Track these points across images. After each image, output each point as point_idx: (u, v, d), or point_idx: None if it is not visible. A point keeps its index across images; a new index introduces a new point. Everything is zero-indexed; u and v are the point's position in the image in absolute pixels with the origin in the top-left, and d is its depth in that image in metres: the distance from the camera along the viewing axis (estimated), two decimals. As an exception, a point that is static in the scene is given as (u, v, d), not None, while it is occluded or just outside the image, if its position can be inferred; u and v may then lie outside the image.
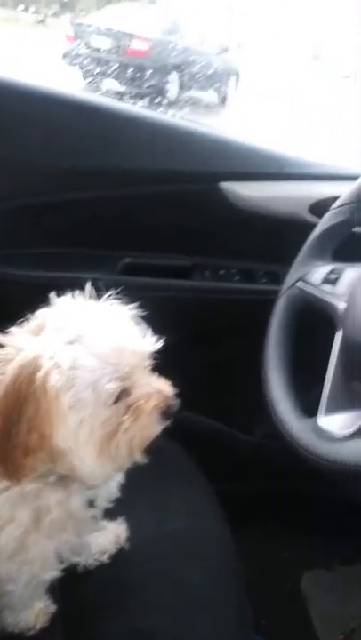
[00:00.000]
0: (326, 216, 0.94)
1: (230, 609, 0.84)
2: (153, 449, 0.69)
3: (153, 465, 0.69)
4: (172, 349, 0.69)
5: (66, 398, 0.59)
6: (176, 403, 0.69)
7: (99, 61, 3.62)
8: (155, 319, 0.71)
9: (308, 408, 0.78)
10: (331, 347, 0.80)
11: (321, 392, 0.77)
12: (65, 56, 3.65)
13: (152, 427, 0.67)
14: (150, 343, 0.69)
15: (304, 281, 0.91)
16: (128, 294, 0.73)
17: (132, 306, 0.71)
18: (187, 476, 1.01)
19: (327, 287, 0.86)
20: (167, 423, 0.68)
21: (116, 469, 0.68)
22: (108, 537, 0.86)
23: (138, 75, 3.57)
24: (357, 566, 1.10)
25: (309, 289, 0.89)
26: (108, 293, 0.72)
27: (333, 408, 0.74)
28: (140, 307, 0.71)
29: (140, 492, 0.86)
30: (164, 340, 0.69)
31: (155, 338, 0.69)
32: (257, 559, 1.05)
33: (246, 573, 0.89)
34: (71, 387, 0.60)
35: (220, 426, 1.27)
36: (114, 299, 0.72)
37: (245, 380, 0.96)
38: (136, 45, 3.88)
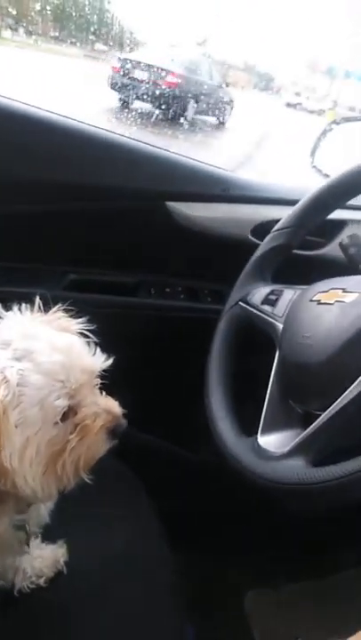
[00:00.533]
0: (267, 239, 0.98)
1: (170, 630, 0.84)
2: (97, 468, 0.68)
3: (96, 484, 0.68)
4: (117, 367, 0.69)
5: (12, 415, 0.58)
6: (124, 422, 0.69)
7: (134, 87, 5.08)
8: (101, 336, 0.71)
9: (249, 426, 0.80)
10: (271, 366, 0.83)
11: (261, 411, 0.79)
12: (110, 82, 5.15)
13: (99, 446, 0.67)
14: (99, 361, 0.68)
15: (246, 301, 0.94)
16: (74, 310, 0.73)
17: (80, 321, 0.71)
18: (130, 496, 1.00)
19: (267, 308, 0.89)
20: (114, 442, 0.68)
21: (60, 489, 0.66)
22: (46, 560, 0.83)
23: (168, 101, 5.09)
24: (301, 584, 1.12)
25: (250, 309, 0.92)
26: (56, 308, 0.72)
27: (271, 427, 0.76)
28: (87, 323, 0.72)
29: (81, 513, 0.85)
30: (111, 358, 0.69)
31: (103, 356, 0.69)
32: (200, 579, 1.05)
33: (188, 593, 0.89)
34: (18, 404, 0.59)
35: (165, 444, 1.27)
36: (62, 314, 0.72)
37: (190, 398, 0.97)
38: (170, 79, 5.45)
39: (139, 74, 5.26)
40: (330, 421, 0.65)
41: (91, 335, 0.71)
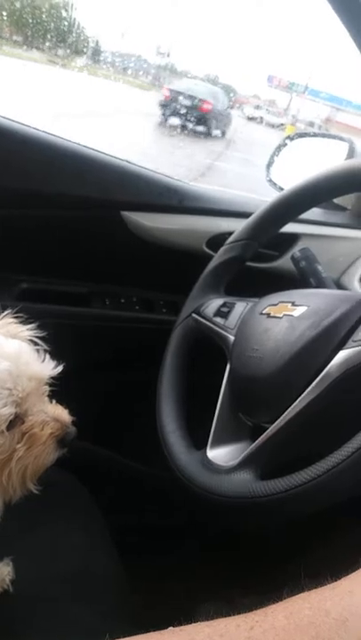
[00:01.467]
0: (220, 251, 0.99)
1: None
2: (45, 481, 0.66)
3: (44, 498, 0.66)
4: (69, 377, 0.68)
5: None
6: (73, 431, 0.67)
7: (174, 110, 7.85)
8: (52, 346, 0.69)
9: (200, 440, 0.80)
10: (223, 379, 0.83)
11: (211, 424, 0.79)
12: (160, 104, 7.98)
13: (47, 455, 0.65)
14: (48, 369, 0.67)
15: (199, 313, 0.94)
16: (26, 320, 0.71)
17: (29, 327, 0.70)
18: (80, 510, 0.98)
19: (219, 320, 0.90)
20: (63, 452, 0.67)
21: (6, 500, 0.64)
22: None
23: (201, 120, 7.95)
24: (254, 597, 1.12)
25: (203, 321, 0.92)
26: (4, 315, 0.70)
27: (220, 440, 0.76)
28: (37, 330, 0.70)
29: (29, 528, 0.83)
30: (62, 367, 0.68)
31: (53, 363, 0.67)
32: (152, 593, 1.04)
33: (139, 608, 0.87)
34: None
35: (115, 457, 1.25)
36: (11, 320, 0.70)
37: (142, 410, 0.96)
38: (206, 106, 8.27)
39: (183, 101, 8.23)
40: (277, 434, 0.66)
41: (40, 342, 0.69)
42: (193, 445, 0.80)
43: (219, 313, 0.91)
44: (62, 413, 0.68)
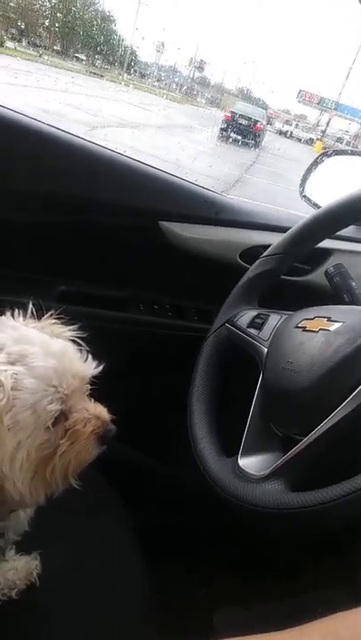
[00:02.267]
0: (256, 263, 1.00)
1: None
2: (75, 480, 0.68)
3: (74, 496, 0.68)
4: (102, 378, 0.70)
5: (5, 419, 0.58)
6: (113, 429, 0.69)
7: (234, 127, 10.42)
8: (88, 347, 0.71)
9: (231, 447, 0.81)
10: (254, 389, 0.84)
11: (242, 432, 0.80)
12: (223, 123, 10.57)
13: (88, 452, 0.67)
14: (90, 367, 0.69)
15: (232, 323, 0.95)
16: (67, 321, 0.73)
17: (71, 328, 0.72)
18: (106, 509, 1.00)
19: (253, 331, 0.91)
20: (103, 448, 0.69)
21: (48, 494, 0.66)
22: (19, 572, 0.82)
23: (254, 136, 10.94)
24: (273, 604, 1.12)
25: (236, 331, 0.94)
26: (48, 315, 0.73)
27: (251, 449, 0.77)
28: (79, 333, 0.72)
29: (57, 525, 0.84)
30: (101, 366, 0.70)
31: (94, 362, 0.70)
32: (172, 595, 1.05)
33: (160, 609, 0.89)
34: (11, 408, 0.59)
35: (143, 458, 1.27)
36: (54, 321, 0.73)
37: (173, 414, 0.98)
38: (259, 125, 11.15)
39: (241, 120, 10.69)
40: (310, 447, 0.67)
41: (81, 342, 0.71)
42: (224, 453, 0.81)
43: (252, 324, 0.92)
44: (103, 411, 0.70)
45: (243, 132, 10.12)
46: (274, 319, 0.90)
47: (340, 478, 0.62)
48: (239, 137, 9.95)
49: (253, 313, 0.94)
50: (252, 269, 1.00)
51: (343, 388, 0.66)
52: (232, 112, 10.37)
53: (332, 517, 0.62)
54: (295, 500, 0.64)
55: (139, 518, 0.97)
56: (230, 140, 9.77)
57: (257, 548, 1.04)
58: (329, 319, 0.77)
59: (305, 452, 0.67)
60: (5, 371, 0.59)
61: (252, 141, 10.18)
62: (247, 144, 9.94)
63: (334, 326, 0.75)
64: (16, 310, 0.69)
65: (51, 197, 1.12)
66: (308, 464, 0.69)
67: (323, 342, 0.74)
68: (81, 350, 0.70)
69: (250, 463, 0.75)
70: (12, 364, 0.61)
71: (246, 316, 0.94)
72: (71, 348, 0.68)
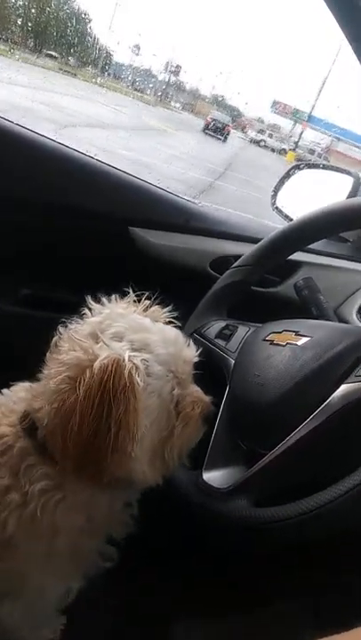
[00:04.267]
0: (226, 274, 1.00)
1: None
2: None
3: None
4: None
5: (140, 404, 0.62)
6: (214, 410, 0.75)
7: (218, 129, 15.79)
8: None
9: (195, 460, 0.80)
10: (221, 401, 0.83)
11: (207, 445, 0.79)
12: (205, 124, 15.81)
13: (197, 432, 0.72)
14: (195, 352, 0.74)
15: (200, 333, 0.94)
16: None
17: (166, 310, 0.77)
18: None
19: (221, 342, 0.90)
20: (205, 428, 0.74)
21: (165, 472, 0.70)
22: None
23: (224, 134, 16.28)
24: (230, 617, 1.11)
25: (204, 341, 0.93)
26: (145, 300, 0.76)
27: (216, 462, 0.76)
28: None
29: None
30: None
31: (195, 347, 0.74)
32: (129, 608, 1.03)
33: (115, 623, 0.87)
34: (143, 391, 0.62)
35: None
36: (153, 305, 0.77)
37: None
38: (228, 128, 16.63)
39: (217, 124, 15.39)
40: (273, 462, 0.67)
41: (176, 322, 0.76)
42: (188, 465, 0.80)
43: (220, 335, 0.92)
44: (203, 394, 0.74)
45: (217, 130, 15.38)
46: (242, 331, 0.90)
47: (303, 494, 0.62)
48: (215, 133, 15.36)
49: (222, 324, 0.94)
50: (222, 280, 0.99)
51: (309, 404, 0.67)
52: (212, 118, 15.86)
53: (296, 534, 0.61)
54: (258, 516, 0.64)
55: None
56: (209, 134, 15.10)
57: (215, 560, 1.03)
58: (297, 333, 0.77)
59: (269, 466, 0.67)
60: (136, 357, 0.62)
61: (222, 137, 15.59)
62: (219, 138, 15.36)
63: (302, 341, 0.75)
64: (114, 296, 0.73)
65: (19, 200, 1.09)
66: (273, 479, 0.68)
67: (290, 356, 0.74)
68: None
69: (214, 477, 0.74)
70: (138, 351, 0.64)
71: (215, 327, 0.94)
72: (180, 334, 0.72)
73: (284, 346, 0.76)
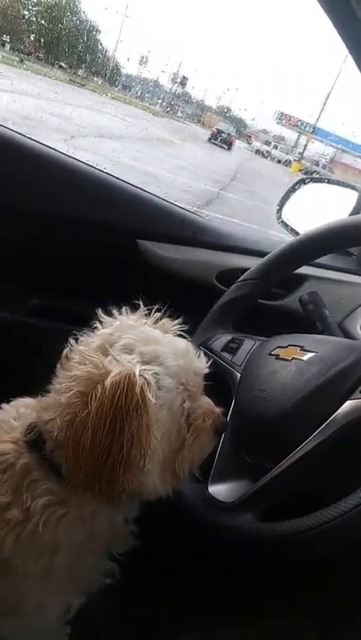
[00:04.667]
0: (232, 287, 1.01)
1: None
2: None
3: None
4: None
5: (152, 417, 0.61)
6: (225, 421, 0.74)
7: (217, 138, 16.55)
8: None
9: (201, 473, 0.80)
10: (227, 413, 0.84)
11: (213, 458, 0.80)
12: (211, 135, 16.69)
13: (208, 445, 0.72)
14: (205, 363, 0.74)
15: (206, 346, 0.95)
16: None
17: (176, 322, 0.77)
18: None
19: (227, 355, 0.91)
20: (217, 440, 0.74)
21: (176, 484, 0.70)
22: None
23: (229, 144, 17.29)
24: (234, 629, 1.11)
25: (211, 354, 0.93)
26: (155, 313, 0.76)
27: (221, 476, 0.77)
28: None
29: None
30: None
31: (205, 358, 0.74)
32: (134, 621, 1.03)
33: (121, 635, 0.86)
34: (154, 405, 0.62)
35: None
36: (163, 317, 0.77)
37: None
38: (232, 139, 17.49)
39: (223, 134, 16.24)
40: (279, 476, 0.67)
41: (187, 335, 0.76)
42: (194, 478, 0.80)
43: (226, 348, 0.92)
44: (213, 405, 0.74)
45: (223, 141, 16.60)
46: (248, 344, 0.90)
47: (309, 509, 0.63)
48: (220, 143, 16.54)
49: (228, 337, 0.95)
50: (228, 293, 1.00)
51: (315, 419, 0.67)
52: (218, 129, 16.96)
53: (302, 549, 0.62)
54: (263, 531, 0.64)
55: None
56: (215, 144, 16.36)
57: (219, 572, 1.03)
58: (302, 348, 0.78)
59: (274, 481, 0.68)
60: (147, 370, 0.62)
61: (227, 146, 16.82)
62: (224, 147, 16.61)
63: (307, 356, 0.76)
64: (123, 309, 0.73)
65: (28, 211, 1.10)
66: (278, 493, 0.69)
67: (295, 372, 0.74)
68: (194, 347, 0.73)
69: (219, 491, 0.75)
70: (148, 363, 0.64)
71: (221, 340, 0.95)
72: (191, 346, 0.72)
73: (289, 361, 0.77)
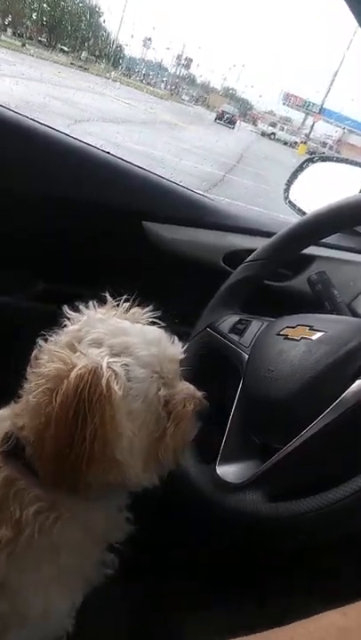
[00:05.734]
0: (239, 269, 1.00)
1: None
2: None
3: None
4: None
5: (122, 409, 0.61)
6: (206, 404, 0.74)
7: (223, 118, 18.82)
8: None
9: (209, 455, 0.80)
10: (234, 396, 0.83)
11: (221, 439, 0.79)
12: (217, 114, 19.06)
13: (192, 430, 0.72)
14: (180, 349, 0.73)
15: (214, 328, 0.94)
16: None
17: (147, 310, 0.76)
18: None
19: (234, 337, 0.90)
20: (200, 425, 0.73)
21: (160, 474, 0.70)
22: None
23: (233, 123, 19.60)
24: (239, 611, 1.12)
25: (218, 336, 0.93)
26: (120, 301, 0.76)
27: (230, 457, 0.77)
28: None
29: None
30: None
31: (181, 343, 0.73)
32: (135, 605, 1.04)
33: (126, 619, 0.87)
34: (125, 397, 0.62)
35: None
36: (133, 306, 0.76)
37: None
38: (235, 118, 20.00)
39: (227, 115, 18.75)
40: (288, 457, 0.67)
41: (161, 322, 0.75)
42: (202, 460, 0.80)
43: (234, 330, 0.91)
44: (195, 390, 0.73)
45: (228, 120, 18.17)
46: (255, 325, 0.89)
47: (318, 489, 0.62)
48: (225, 123, 18.02)
49: (235, 318, 0.94)
50: (235, 274, 0.99)
51: (323, 399, 0.66)
52: (223, 110, 18.88)
53: (308, 529, 0.62)
54: (272, 511, 0.64)
55: None
56: (221, 124, 17.77)
57: (227, 555, 1.03)
58: (311, 328, 0.77)
59: (283, 461, 0.67)
60: (116, 362, 0.61)
61: (232, 126, 18.35)
62: (229, 127, 18.03)
63: (316, 335, 0.75)
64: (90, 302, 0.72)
65: (34, 194, 1.09)
66: (287, 474, 0.68)
67: (304, 351, 0.73)
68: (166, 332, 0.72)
69: (228, 472, 0.74)
70: (118, 355, 0.63)
71: (228, 322, 0.94)
72: (163, 333, 0.71)
73: (298, 340, 0.76)
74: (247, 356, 0.84)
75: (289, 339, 0.78)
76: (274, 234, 0.98)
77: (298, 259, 1.19)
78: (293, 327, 0.79)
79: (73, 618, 0.80)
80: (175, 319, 1.26)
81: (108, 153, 1.15)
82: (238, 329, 0.91)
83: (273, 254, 0.96)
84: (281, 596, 1.06)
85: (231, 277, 1.00)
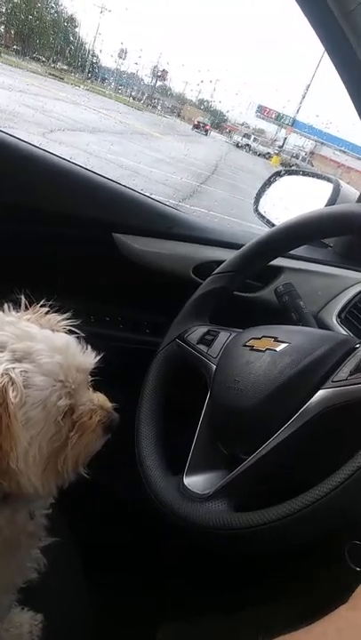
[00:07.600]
0: (208, 280, 1.01)
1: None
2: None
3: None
4: None
5: (19, 417, 0.59)
6: (117, 417, 0.72)
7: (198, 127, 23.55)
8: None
9: (177, 465, 0.81)
10: (203, 406, 0.84)
11: (189, 450, 0.80)
12: (194, 126, 23.52)
13: (96, 442, 0.70)
14: (91, 359, 0.71)
15: (182, 339, 0.95)
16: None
17: (65, 317, 0.74)
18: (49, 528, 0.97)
19: (203, 347, 0.91)
20: (108, 437, 0.72)
21: (59, 485, 0.68)
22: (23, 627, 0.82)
23: (205, 131, 24.00)
24: (211, 616, 1.12)
25: (187, 347, 0.94)
26: (38, 307, 0.74)
27: (197, 467, 0.77)
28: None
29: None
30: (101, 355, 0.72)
31: (94, 353, 0.72)
32: (113, 611, 1.03)
33: (101, 625, 0.87)
34: (23, 405, 0.60)
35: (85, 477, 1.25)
36: (48, 311, 0.74)
37: (119, 429, 0.96)
38: (207, 128, 24.65)
39: (201, 125, 23.28)
40: (254, 466, 0.68)
41: (77, 331, 0.73)
42: (170, 471, 0.80)
43: (203, 340, 0.92)
44: (105, 401, 0.72)
45: (203, 129, 20.53)
46: (223, 336, 0.91)
47: (283, 498, 0.63)
48: (201, 131, 20.29)
49: (204, 329, 0.95)
50: (204, 286, 1.00)
51: (287, 409, 0.68)
52: (198, 121, 21.10)
53: (274, 538, 0.62)
54: (238, 521, 0.65)
55: (80, 535, 0.95)
56: (197, 132, 19.79)
57: (197, 562, 1.04)
58: (276, 339, 0.78)
59: (249, 471, 0.68)
60: (14, 369, 0.59)
61: (205, 133, 20.80)
62: (203, 134, 20.10)
63: (281, 347, 0.76)
64: (6, 305, 0.70)
65: (2, 206, 1.09)
66: (253, 483, 0.69)
67: (269, 362, 0.75)
68: (79, 341, 0.71)
69: (195, 482, 0.75)
70: (19, 361, 0.61)
71: (197, 333, 0.95)
72: (73, 341, 0.69)
73: (263, 352, 0.78)
74: (215, 367, 0.85)
75: (255, 350, 0.79)
76: (243, 245, 0.99)
77: (266, 270, 1.21)
78: (259, 338, 0.81)
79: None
80: (146, 329, 1.28)
81: (79, 165, 1.16)
82: (207, 340, 0.92)
83: (241, 266, 0.98)
84: (260, 603, 1.07)
85: (200, 289, 1.01)
